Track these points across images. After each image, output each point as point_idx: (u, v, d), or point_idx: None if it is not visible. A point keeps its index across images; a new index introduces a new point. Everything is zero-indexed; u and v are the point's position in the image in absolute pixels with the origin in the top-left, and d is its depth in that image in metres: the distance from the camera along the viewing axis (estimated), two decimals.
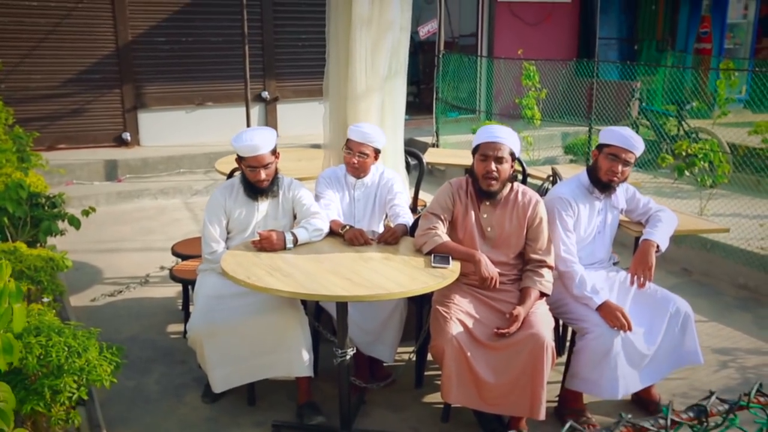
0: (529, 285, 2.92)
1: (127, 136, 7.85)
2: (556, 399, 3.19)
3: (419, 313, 3.38)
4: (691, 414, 1.01)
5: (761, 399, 1.06)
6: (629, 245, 3.96)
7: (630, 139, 3.02)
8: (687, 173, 5.57)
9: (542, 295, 2.95)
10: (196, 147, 7.90)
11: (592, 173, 3.14)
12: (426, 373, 3.46)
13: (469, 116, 9.27)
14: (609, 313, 2.88)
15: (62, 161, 7.00)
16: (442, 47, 8.16)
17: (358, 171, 3.37)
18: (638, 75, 7.95)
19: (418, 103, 10.99)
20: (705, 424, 0.99)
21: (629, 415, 0.95)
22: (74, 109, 7.60)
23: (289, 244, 2.93)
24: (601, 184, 3.10)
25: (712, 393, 1.04)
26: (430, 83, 9.09)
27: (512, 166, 2.94)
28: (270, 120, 8.56)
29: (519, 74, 7.15)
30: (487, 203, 2.97)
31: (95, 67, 7.58)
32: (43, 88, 7.40)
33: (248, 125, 7.42)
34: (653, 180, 7.12)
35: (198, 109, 8.19)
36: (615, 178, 3.05)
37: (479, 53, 9.67)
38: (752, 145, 6.55)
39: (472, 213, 2.98)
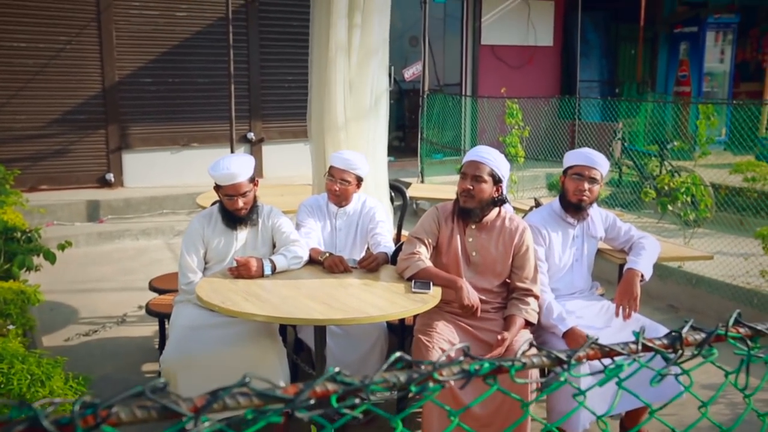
0: (514, 312, 2.85)
1: (110, 176, 7.79)
2: None
3: (401, 346, 3.29)
4: (666, 341, 0.94)
5: (741, 329, 1.00)
6: (613, 281, 3.91)
7: (591, 156, 3.02)
8: (670, 208, 5.58)
9: (527, 324, 2.88)
10: (180, 188, 7.84)
11: (563, 198, 3.12)
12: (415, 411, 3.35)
13: (454, 158, 9.32)
14: (573, 341, 2.80)
15: (44, 202, 6.91)
16: (426, 87, 8.24)
17: (340, 199, 3.33)
18: (620, 116, 8.06)
19: (404, 147, 11.06)
20: (680, 351, 0.92)
21: (596, 337, 0.90)
22: (58, 150, 7.56)
23: (267, 271, 2.86)
24: (572, 206, 3.07)
25: (687, 321, 0.97)
26: (415, 127, 9.17)
27: (498, 189, 2.90)
28: (255, 161, 8.54)
29: (502, 113, 7.22)
30: (473, 227, 2.93)
31: (81, 107, 7.58)
32: (28, 129, 7.37)
33: None
34: (638, 220, 7.13)
35: (183, 150, 8.17)
36: (584, 197, 3.03)
37: (463, 94, 9.79)
38: (734, 185, 6.62)
39: (458, 237, 2.94)
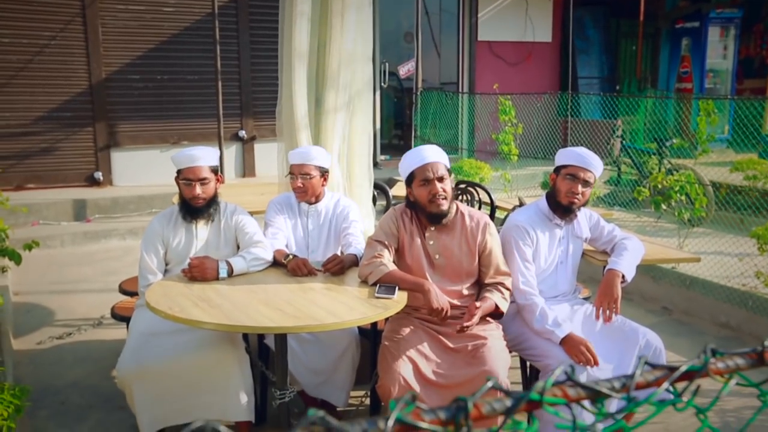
0: (486, 296, 2.73)
1: (99, 175, 7.67)
2: None
3: (373, 352, 3.14)
4: (443, 415, 0.63)
5: (570, 391, 0.69)
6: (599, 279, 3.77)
7: (587, 158, 2.85)
8: (664, 207, 5.40)
9: (497, 311, 2.73)
10: (169, 186, 7.65)
11: (551, 198, 2.95)
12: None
13: (451, 156, 9.16)
14: (573, 347, 2.65)
15: (30, 201, 6.80)
16: (419, 84, 8.09)
17: (307, 194, 3.20)
18: (620, 113, 7.88)
19: (403, 145, 10.90)
20: (465, 428, 0.62)
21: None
22: (44, 148, 7.44)
23: (223, 274, 2.72)
24: (562, 208, 2.91)
25: (491, 382, 0.66)
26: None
27: (451, 183, 2.79)
28: (247, 159, 8.42)
29: (496, 110, 7.06)
30: (432, 229, 2.79)
31: (67, 105, 7.45)
32: (13, 126, 7.25)
33: (222, 164, 7.27)
34: (636, 219, 6.96)
35: (173, 148, 8.02)
36: (575, 200, 2.87)
37: (460, 91, 9.62)
38: (734, 183, 6.43)
39: (418, 240, 2.80)
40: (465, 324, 2.53)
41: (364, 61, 3.87)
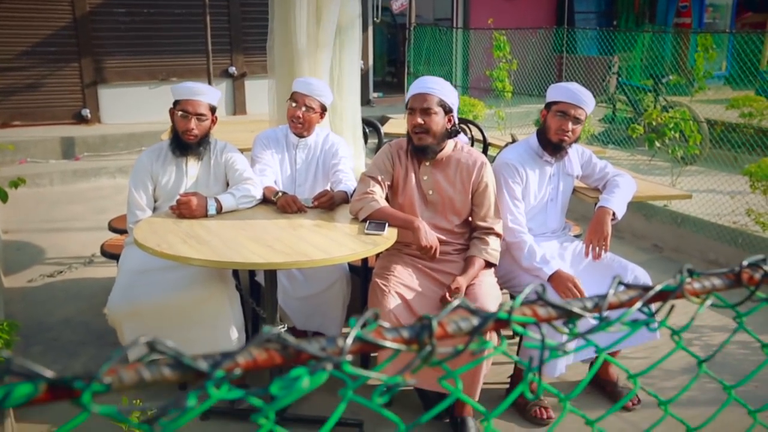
0: (474, 254, 2.70)
1: (86, 112, 7.54)
2: (508, 380, 2.97)
3: (364, 289, 3.15)
4: (406, 334, 0.61)
5: (540, 310, 0.65)
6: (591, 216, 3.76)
7: (578, 94, 2.79)
8: (658, 144, 5.36)
9: (489, 265, 2.73)
10: (159, 124, 7.58)
11: (542, 135, 2.91)
12: (373, 354, 3.24)
13: None
14: (560, 284, 2.66)
15: (17, 139, 6.70)
16: (413, 20, 7.89)
17: (302, 127, 3.13)
18: (616, 49, 7.73)
19: (395, 83, 10.73)
20: (428, 347, 0.59)
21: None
22: (29, 84, 7.28)
23: (212, 211, 2.69)
24: (552, 145, 2.87)
25: (458, 301, 0.64)
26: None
27: (450, 120, 2.69)
28: (238, 96, 8.28)
29: (490, 46, 6.91)
30: (427, 164, 2.75)
31: (51, 39, 7.25)
32: None
33: None
34: (630, 157, 6.93)
35: (162, 85, 7.87)
36: (565, 137, 2.82)
37: (454, 26, 9.40)
38: (730, 121, 6.37)
39: (413, 175, 2.76)
40: (449, 297, 2.53)
41: None
